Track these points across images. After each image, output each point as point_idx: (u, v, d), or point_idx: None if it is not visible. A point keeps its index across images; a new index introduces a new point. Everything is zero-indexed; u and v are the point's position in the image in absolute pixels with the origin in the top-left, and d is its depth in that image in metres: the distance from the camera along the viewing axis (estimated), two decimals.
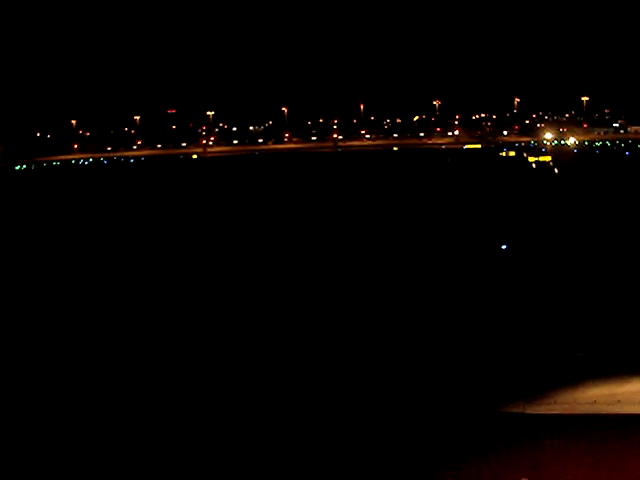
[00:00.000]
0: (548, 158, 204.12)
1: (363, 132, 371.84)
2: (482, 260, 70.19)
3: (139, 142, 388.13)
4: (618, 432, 28.27)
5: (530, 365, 36.21)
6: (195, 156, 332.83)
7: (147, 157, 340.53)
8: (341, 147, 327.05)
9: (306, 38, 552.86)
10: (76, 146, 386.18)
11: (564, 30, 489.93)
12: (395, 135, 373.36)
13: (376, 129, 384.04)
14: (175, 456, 29.46)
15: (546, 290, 57.61)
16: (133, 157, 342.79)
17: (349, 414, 32.19)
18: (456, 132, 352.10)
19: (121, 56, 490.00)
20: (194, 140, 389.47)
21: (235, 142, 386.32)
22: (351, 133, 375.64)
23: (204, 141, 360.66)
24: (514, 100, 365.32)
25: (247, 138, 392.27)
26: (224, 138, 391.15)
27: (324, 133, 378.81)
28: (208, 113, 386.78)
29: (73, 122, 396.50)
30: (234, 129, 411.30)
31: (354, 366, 39.79)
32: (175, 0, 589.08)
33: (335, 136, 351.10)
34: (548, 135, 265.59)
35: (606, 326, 45.39)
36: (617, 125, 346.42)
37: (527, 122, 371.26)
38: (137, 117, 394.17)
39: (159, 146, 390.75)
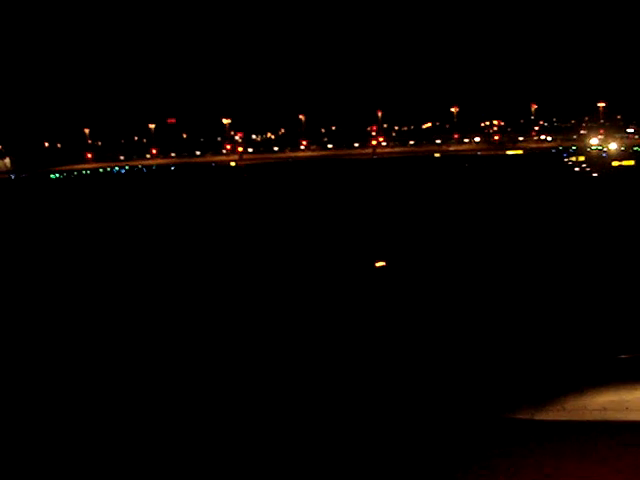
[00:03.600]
0: (632, 162, 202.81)
1: (381, 139, 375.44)
2: None
3: (154, 151, 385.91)
4: (627, 439, 28.74)
5: (539, 371, 35.82)
6: (233, 164, 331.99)
7: (177, 165, 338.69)
8: (377, 154, 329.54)
9: (318, 47, 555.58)
10: (90, 155, 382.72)
11: (576, 38, 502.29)
12: (411, 142, 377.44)
13: (388, 136, 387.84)
14: (175, 456, 29.61)
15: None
16: (168, 164, 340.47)
17: (354, 420, 32.13)
18: (493, 138, 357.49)
19: (130, 65, 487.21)
20: (209, 149, 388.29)
21: (250, 150, 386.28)
22: (367, 140, 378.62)
23: (240, 149, 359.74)
24: (531, 107, 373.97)
25: (262, 146, 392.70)
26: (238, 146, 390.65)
27: (341, 141, 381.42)
28: (224, 121, 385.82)
29: (86, 131, 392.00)
30: (238, 138, 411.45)
31: (362, 368, 39.74)
32: (186, 9, 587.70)
33: (374, 143, 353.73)
34: (594, 140, 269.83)
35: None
36: (631, 130, 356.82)
37: (536, 128, 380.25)
38: (152, 126, 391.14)
39: (173, 155, 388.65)
